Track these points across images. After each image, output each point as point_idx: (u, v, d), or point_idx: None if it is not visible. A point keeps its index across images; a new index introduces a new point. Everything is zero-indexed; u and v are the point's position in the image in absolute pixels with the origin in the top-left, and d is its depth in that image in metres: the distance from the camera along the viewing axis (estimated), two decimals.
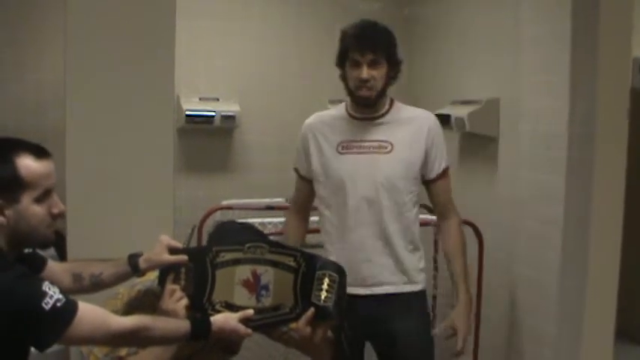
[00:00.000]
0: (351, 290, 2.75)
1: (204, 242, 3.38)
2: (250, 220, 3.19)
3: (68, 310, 1.92)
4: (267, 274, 2.35)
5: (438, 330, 3.00)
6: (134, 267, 2.35)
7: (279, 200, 4.12)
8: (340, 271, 2.39)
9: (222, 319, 2.24)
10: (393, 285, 2.92)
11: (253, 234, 2.50)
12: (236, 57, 5.13)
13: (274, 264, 2.35)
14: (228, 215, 3.97)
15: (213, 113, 4.90)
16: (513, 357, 3.90)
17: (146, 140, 3.08)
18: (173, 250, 2.35)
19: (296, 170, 3.13)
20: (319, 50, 5.16)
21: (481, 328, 3.94)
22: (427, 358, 3.02)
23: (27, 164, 1.97)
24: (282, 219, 3.90)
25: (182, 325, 2.16)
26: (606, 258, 3.42)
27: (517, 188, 3.88)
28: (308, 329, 2.35)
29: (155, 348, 2.28)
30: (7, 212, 1.95)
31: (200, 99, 4.96)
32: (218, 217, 3.89)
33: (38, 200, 1.99)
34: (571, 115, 3.40)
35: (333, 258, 2.77)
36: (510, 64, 3.99)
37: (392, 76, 2.94)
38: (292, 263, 2.36)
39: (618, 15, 3.35)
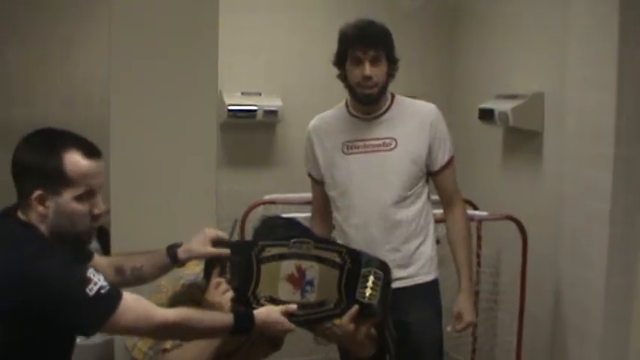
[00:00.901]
0: None
1: (247, 237, 3.39)
2: (293, 215, 3.18)
3: (112, 297, 1.94)
4: (312, 269, 2.35)
5: (450, 328, 3.07)
6: (173, 257, 2.36)
7: None
8: (385, 268, 2.39)
9: (265, 312, 2.24)
10: (403, 280, 2.93)
11: (299, 229, 2.50)
12: (278, 51, 5.13)
13: (319, 260, 2.35)
14: (271, 210, 3.97)
15: (255, 108, 4.90)
16: (557, 354, 3.85)
17: (189, 135, 3.10)
18: (218, 243, 2.35)
19: (309, 175, 3.16)
20: None
21: (525, 325, 3.90)
22: (437, 347, 3.05)
23: (74, 161, 1.97)
24: None
25: (225, 318, 2.17)
26: None
27: (562, 184, 3.83)
28: (351, 326, 2.35)
29: (199, 341, 2.29)
30: (48, 203, 1.97)
31: (242, 94, 4.97)
32: (261, 211, 3.89)
33: (80, 199, 1.99)
34: (618, 110, 3.34)
35: None
36: (555, 58, 3.94)
37: (390, 74, 2.95)
38: (338, 259, 2.35)
39: None
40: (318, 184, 3.13)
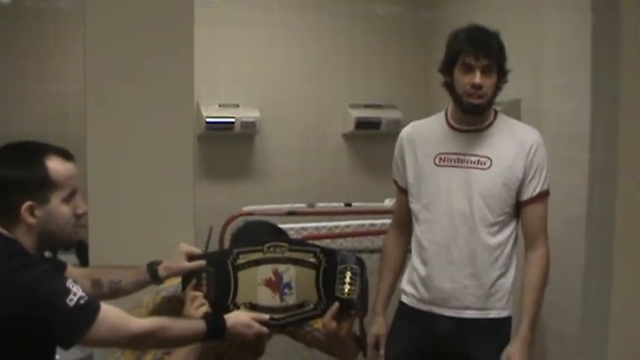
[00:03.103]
0: (432, 309, 2.79)
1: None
2: None
3: (91, 308, 1.95)
4: (289, 272, 2.37)
5: None
6: (153, 275, 2.36)
7: (300, 206, 4.12)
8: (361, 263, 2.41)
9: (234, 315, 2.26)
10: (478, 311, 2.80)
11: (273, 233, 2.52)
12: (255, 63, 5.14)
13: (295, 262, 2.37)
14: None
15: (233, 120, 4.91)
16: (537, 358, 3.86)
17: (166, 148, 3.10)
18: (193, 257, 2.36)
19: (395, 182, 3.01)
20: (338, 55, 5.17)
21: None
22: None
23: (56, 166, 2.03)
24: (304, 224, 3.91)
25: (198, 324, 2.18)
26: (631, 259, 3.38)
27: None
28: (333, 324, 2.36)
29: (180, 354, 2.29)
30: (37, 213, 2.00)
31: (220, 105, 4.97)
32: (239, 223, 3.89)
33: (66, 200, 2.04)
34: (593, 116, 3.37)
35: (417, 274, 2.81)
36: (531, 65, 3.97)
37: (499, 87, 2.80)
38: (313, 259, 2.38)
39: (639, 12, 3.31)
40: (402, 192, 2.97)
